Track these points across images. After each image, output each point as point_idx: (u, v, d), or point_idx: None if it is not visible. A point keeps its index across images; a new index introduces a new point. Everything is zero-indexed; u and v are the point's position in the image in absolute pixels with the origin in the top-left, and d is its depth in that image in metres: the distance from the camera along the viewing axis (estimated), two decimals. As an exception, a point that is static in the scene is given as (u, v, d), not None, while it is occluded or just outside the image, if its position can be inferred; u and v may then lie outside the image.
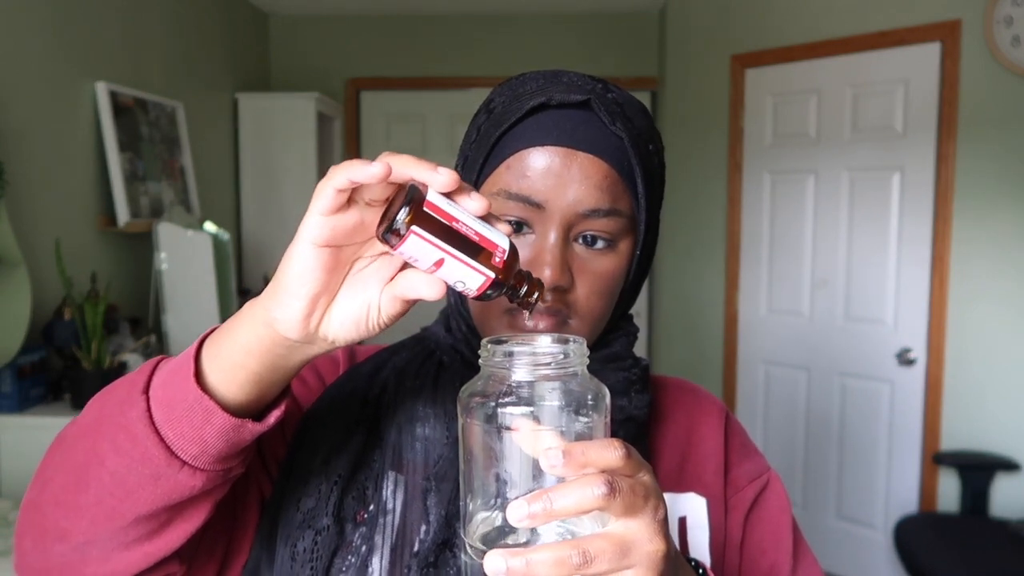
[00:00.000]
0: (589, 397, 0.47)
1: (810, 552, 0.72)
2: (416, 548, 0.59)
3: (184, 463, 0.49)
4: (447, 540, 0.59)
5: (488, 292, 0.48)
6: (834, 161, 3.09)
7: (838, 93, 3.06)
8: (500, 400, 0.46)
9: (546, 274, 0.60)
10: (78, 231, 2.49)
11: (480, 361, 0.49)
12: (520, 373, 0.46)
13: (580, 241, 0.63)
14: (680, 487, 0.69)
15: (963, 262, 2.77)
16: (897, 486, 2.98)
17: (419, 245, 0.45)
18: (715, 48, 3.44)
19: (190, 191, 3.10)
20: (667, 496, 0.67)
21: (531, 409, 0.46)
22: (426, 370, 0.68)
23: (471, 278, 0.47)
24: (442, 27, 4.16)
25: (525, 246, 0.62)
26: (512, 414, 0.46)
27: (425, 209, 0.45)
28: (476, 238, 0.47)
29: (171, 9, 3.15)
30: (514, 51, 4.16)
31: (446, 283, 0.47)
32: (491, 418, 0.46)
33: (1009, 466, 2.66)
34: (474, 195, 0.48)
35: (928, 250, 2.85)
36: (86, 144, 2.54)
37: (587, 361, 0.49)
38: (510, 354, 0.47)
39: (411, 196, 0.45)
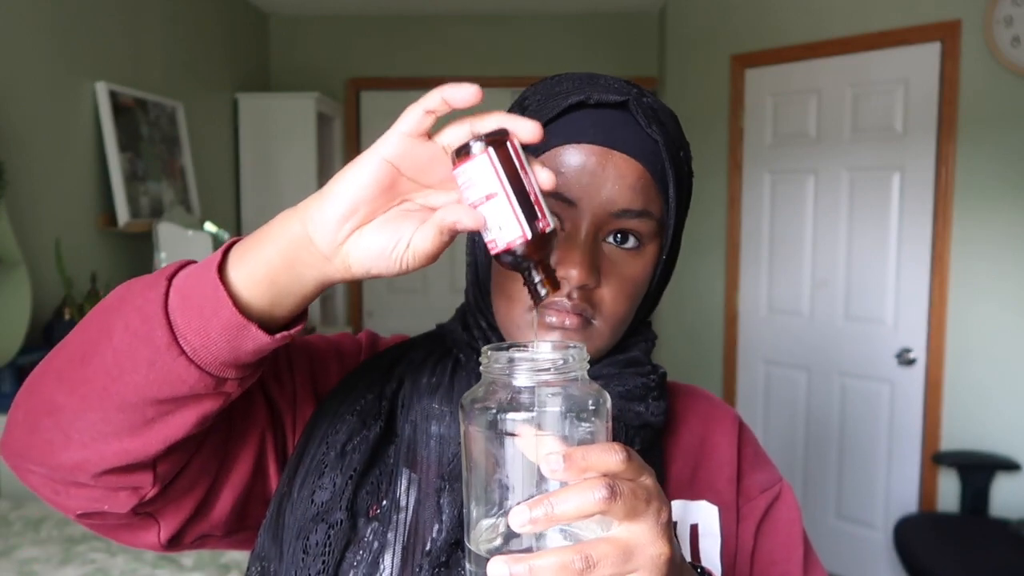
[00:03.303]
0: (590, 402, 0.47)
1: (819, 564, 0.72)
2: (428, 547, 0.59)
3: (182, 351, 0.49)
4: (460, 540, 0.59)
5: (515, 251, 0.48)
6: (834, 161, 3.09)
7: (838, 93, 3.05)
8: (501, 406, 0.46)
9: (573, 274, 0.60)
10: (78, 231, 2.49)
11: (481, 368, 0.48)
12: (521, 379, 0.46)
13: (610, 239, 0.63)
14: (692, 495, 0.68)
15: (963, 262, 2.77)
16: (897, 486, 2.98)
17: (484, 170, 0.46)
18: (715, 48, 3.44)
19: (190, 191, 3.10)
20: (679, 503, 0.67)
21: (532, 415, 0.46)
22: (442, 367, 0.68)
23: (510, 227, 0.47)
24: (442, 27, 4.16)
25: None
26: (513, 420, 0.46)
27: (507, 144, 0.47)
28: (532, 197, 0.48)
29: (171, 9, 3.15)
30: (514, 51, 4.16)
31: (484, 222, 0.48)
32: (493, 424, 0.46)
33: (1009, 466, 2.66)
34: (546, 168, 0.49)
35: (928, 250, 2.85)
36: (86, 144, 2.54)
37: (587, 366, 0.48)
38: (511, 361, 0.47)
39: (498, 131, 0.47)
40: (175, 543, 0.62)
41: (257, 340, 0.50)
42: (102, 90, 2.57)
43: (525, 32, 4.15)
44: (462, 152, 0.47)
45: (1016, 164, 2.65)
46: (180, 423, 0.52)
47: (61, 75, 2.43)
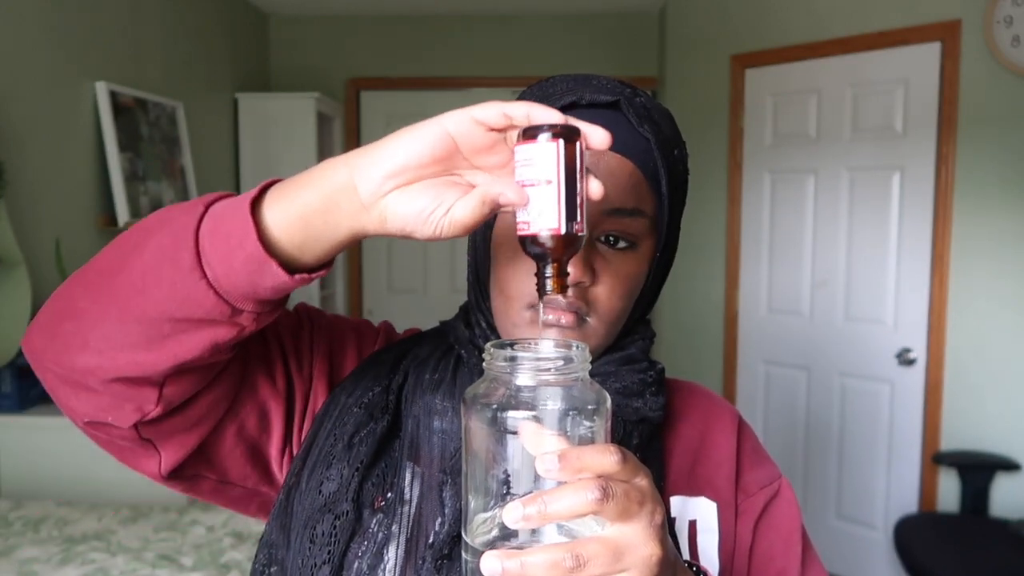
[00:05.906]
0: (590, 403, 0.48)
1: (818, 560, 0.72)
2: (431, 540, 0.60)
3: (204, 276, 0.51)
4: (461, 533, 0.60)
5: (542, 241, 0.49)
6: (834, 161, 3.09)
7: (838, 93, 3.06)
8: (502, 403, 0.47)
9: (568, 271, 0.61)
10: (78, 231, 2.49)
11: (484, 365, 0.49)
12: (523, 378, 0.47)
13: (603, 240, 0.64)
14: (691, 491, 0.69)
15: (963, 262, 2.77)
16: (897, 486, 2.98)
17: (547, 156, 0.47)
18: (715, 48, 3.44)
19: (190, 191, 3.10)
20: (678, 499, 0.67)
21: (532, 413, 0.46)
22: (445, 364, 0.69)
23: (549, 217, 0.48)
24: (442, 27, 4.16)
25: None
26: (514, 417, 0.46)
27: (576, 143, 0.48)
28: (579, 199, 0.49)
29: (171, 9, 3.15)
30: (514, 51, 4.16)
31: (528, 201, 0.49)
32: (493, 421, 0.47)
33: (1009, 466, 2.66)
34: (599, 180, 0.50)
35: (928, 250, 2.85)
36: (86, 144, 2.54)
37: (589, 367, 0.49)
38: (513, 359, 0.47)
39: (572, 128, 0.48)
40: (174, 476, 0.64)
41: (277, 278, 0.51)
42: (102, 90, 2.57)
43: (525, 32, 4.15)
44: (530, 133, 0.48)
45: (1016, 164, 2.65)
46: (192, 344, 0.54)
47: (61, 75, 2.43)
